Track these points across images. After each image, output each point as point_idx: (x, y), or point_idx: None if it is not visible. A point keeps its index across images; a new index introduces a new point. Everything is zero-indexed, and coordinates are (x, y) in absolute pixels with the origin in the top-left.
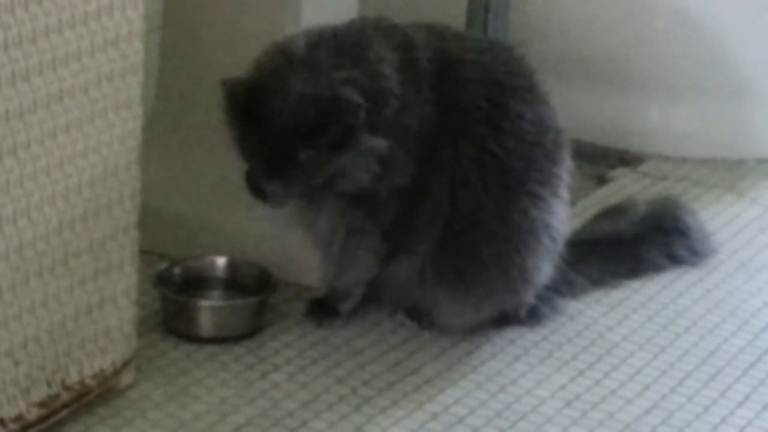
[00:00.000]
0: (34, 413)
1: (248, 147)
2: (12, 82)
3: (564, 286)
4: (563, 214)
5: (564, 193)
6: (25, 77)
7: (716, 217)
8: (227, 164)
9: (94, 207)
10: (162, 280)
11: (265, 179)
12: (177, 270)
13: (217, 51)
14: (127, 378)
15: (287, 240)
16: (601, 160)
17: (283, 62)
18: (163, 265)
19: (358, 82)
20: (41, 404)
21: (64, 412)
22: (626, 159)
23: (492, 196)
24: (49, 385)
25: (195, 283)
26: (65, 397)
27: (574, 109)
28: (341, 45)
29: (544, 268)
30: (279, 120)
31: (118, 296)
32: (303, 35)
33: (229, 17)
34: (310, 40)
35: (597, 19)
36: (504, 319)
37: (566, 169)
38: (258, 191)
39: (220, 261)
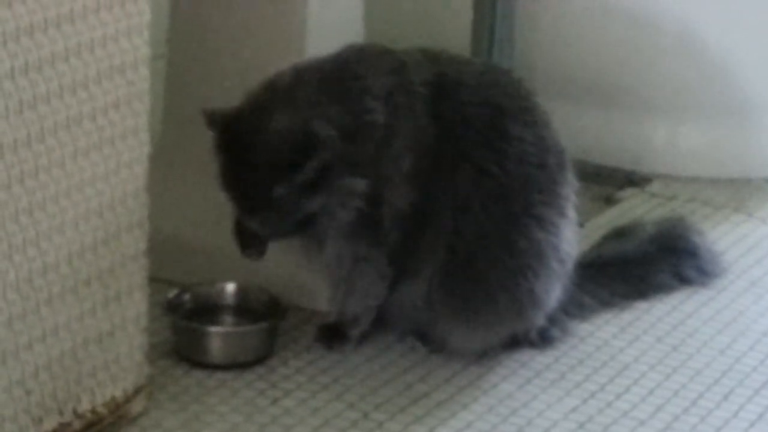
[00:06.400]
0: None
1: (226, 181)
2: (20, 110)
3: (574, 308)
4: (571, 235)
5: (571, 213)
6: (33, 105)
7: (725, 237)
8: None
9: (103, 235)
10: (172, 307)
11: (244, 217)
12: (187, 297)
13: (223, 77)
14: (138, 405)
15: (296, 265)
16: (609, 180)
17: (265, 97)
18: (173, 292)
19: (335, 119)
20: None
21: None
22: (634, 179)
23: (495, 221)
24: (60, 413)
25: (205, 309)
26: (77, 425)
27: (581, 130)
28: (327, 79)
29: (554, 291)
30: (254, 155)
31: (129, 324)
32: (291, 70)
33: (235, 43)
34: (296, 75)
35: (603, 40)
36: (515, 342)
37: (571, 188)
38: (245, 244)
39: (230, 287)
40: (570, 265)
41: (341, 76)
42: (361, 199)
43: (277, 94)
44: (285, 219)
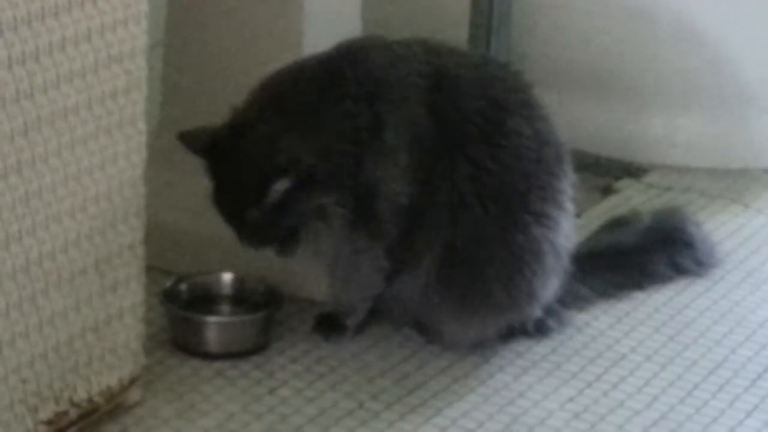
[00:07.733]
0: (42, 431)
1: (213, 203)
2: (16, 99)
3: (570, 298)
4: (568, 228)
5: (569, 205)
6: (29, 95)
7: (721, 228)
8: None
9: (100, 224)
10: (169, 297)
11: (235, 235)
12: (183, 286)
13: (221, 67)
14: (134, 394)
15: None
16: (606, 171)
17: (240, 118)
18: (169, 282)
19: (306, 135)
20: (49, 422)
21: (72, 430)
22: (631, 170)
23: (492, 215)
24: (56, 402)
25: (202, 299)
26: (73, 414)
27: (578, 121)
28: (305, 89)
29: (550, 285)
30: (227, 180)
31: (125, 313)
32: (270, 81)
33: (233, 32)
34: (273, 87)
35: (600, 31)
36: (511, 333)
37: (569, 181)
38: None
39: (227, 277)
40: (567, 258)
41: (321, 83)
42: (343, 207)
43: (251, 114)
44: (266, 238)
